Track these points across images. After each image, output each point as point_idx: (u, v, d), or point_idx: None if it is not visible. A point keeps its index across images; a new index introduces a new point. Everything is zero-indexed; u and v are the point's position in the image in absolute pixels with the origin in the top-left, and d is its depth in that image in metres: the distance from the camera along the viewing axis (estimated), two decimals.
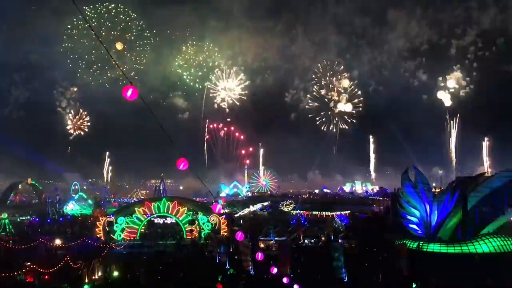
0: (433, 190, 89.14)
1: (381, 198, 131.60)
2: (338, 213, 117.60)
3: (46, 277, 61.77)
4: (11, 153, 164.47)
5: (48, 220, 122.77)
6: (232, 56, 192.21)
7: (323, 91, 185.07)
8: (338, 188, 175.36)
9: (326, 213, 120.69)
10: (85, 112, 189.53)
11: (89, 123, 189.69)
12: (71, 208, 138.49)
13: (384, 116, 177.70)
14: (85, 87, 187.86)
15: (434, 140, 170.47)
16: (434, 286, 60.73)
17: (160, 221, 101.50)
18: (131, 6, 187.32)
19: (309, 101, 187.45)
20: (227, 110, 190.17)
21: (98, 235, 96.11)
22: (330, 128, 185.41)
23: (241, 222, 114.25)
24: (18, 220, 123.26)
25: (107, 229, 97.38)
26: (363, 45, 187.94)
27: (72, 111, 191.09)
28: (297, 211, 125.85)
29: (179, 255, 78.62)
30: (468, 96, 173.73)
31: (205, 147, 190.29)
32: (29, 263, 63.72)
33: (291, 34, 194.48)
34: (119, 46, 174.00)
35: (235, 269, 67.32)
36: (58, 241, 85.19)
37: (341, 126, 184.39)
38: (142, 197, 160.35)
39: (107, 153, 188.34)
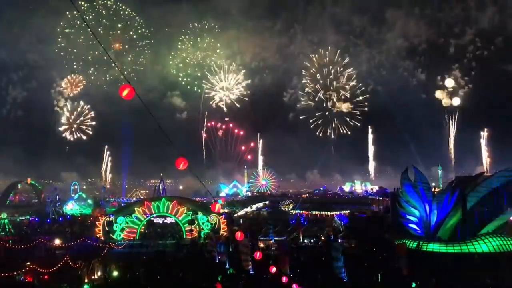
0: (433, 189, 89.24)
1: (381, 198, 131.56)
2: (338, 212, 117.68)
3: (45, 277, 61.65)
4: (9, 153, 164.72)
5: (48, 220, 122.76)
6: (230, 56, 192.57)
7: (321, 92, 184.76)
8: (338, 188, 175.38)
9: (326, 212, 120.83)
10: (91, 112, 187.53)
11: (93, 123, 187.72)
12: (71, 208, 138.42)
13: (383, 116, 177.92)
14: (84, 87, 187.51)
15: (434, 140, 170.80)
16: (433, 286, 60.70)
17: (160, 221, 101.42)
18: (129, 5, 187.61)
19: (301, 99, 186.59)
20: (225, 109, 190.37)
21: (98, 235, 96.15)
22: (328, 133, 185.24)
23: (241, 221, 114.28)
24: (18, 220, 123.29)
25: (107, 229, 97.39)
26: (361, 45, 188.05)
27: (67, 111, 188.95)
28: (296, 211, 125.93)
29: (178, 255, 78.66)
30: (467, 95, 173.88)
31: (203, 145, 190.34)
32: (28, 263, 63.57)
33: (289, 34, 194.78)
34: (117, 45, 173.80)
35: (234, 269, 67.29)
36: (57, 241, 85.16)
37: (341, 131, 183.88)
38: (142, 197, 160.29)
39: (107, 152, 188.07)
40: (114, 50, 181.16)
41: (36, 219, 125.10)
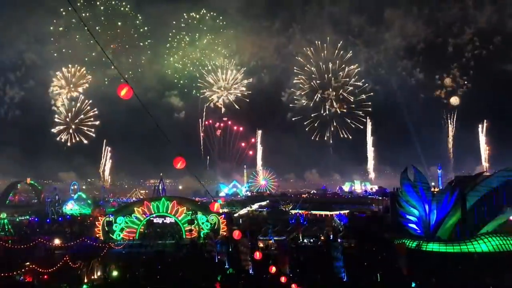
0: (432, 189, 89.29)
1: (380, 198, 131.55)
2: (337, 212, 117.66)
3: (45, 277, 61.64)
4: (7, 153, 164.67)
5: (47, 220, 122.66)
6: (228, 56, 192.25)
7: (319, 92, 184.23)
8: (337, 188, 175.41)
9: (325, 212, 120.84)
10: (93, 110, 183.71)
11: (97, 122, 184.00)
12: (70, 208, 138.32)
13: (382, 116, 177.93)
14: (83, 83, 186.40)
15: (433, 139, 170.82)
16: (433, 286, 60.69)
17: (159, 221, 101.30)
18: (127, 4, 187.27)
19: (295, 97, 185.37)
20: (223, 109, 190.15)
21: (97, 235, 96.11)
22: (326, 137, 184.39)
23: (240, 221, 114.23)
24: (17, 220, 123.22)
25: (106, 229, 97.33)
26: (359, 44, 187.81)
27: (64, 108, 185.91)
28: (296, 211, 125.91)
29: (178, 255, 78.65)
30: (465, 94, 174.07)
31: (201, 145, 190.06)
32: (28, 263, 63.56)
33: (287, 33, 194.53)
34: (114, 45, 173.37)
35: (234, 269, 67.27)
36: (57, 241, 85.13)
37: (341, 135, 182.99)
38: (141, 197, 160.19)
39: (106, 152, 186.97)
40: (113, 48, 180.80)
41: (36, 219, 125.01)
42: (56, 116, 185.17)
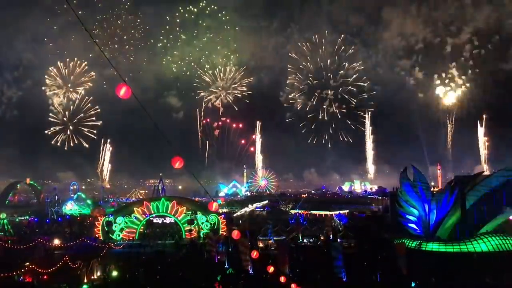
0: (432, 189, 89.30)
1: (380, 197, 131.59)
2: (337, 212, 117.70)
3: (44, 277, 61.66)
4: (4, 153, 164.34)
5: (47, 220, 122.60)
6: (226, 55, 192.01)
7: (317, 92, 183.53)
8: (337, 188, 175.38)
9: (325, 212, 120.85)
10: (95, 108, 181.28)
11: (99, 122, 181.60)
12: (70, 208, 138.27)
13: (381, 115, 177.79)
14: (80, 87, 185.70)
15: (432, 139, 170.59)
16: (433, 285, 60.75)
17: (159, 221, 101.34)
18: (125, 3, 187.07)
19: (290, 95, 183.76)
20: (222, 109, 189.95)
21: (97, 235, 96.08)
22: (324, 141, 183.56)
23: (240, 221, 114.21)
24: (17, 220, 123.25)
25: (106, 229, 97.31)
26: (357, 44, 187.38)
27: (62, 107, 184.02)
28: (296, 211, 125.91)
29: (178, 255, 78.60)
30: (464, 94, 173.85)
31: (199, 145, 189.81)
32: (27, 263, 63.60)
33: (286, 33, 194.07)
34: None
35: (234, 269, 67.25)
36: (56, 241, 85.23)
37: (340, 138, 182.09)
38: (141, 197, 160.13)
39: (105, 151, 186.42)
40: (110, 50, 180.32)
41: (35, 219, 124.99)
42: (51, 114, 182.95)
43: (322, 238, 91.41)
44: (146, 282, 61.38)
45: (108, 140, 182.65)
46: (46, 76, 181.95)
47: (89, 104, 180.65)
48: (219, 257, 73.66)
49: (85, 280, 63.16)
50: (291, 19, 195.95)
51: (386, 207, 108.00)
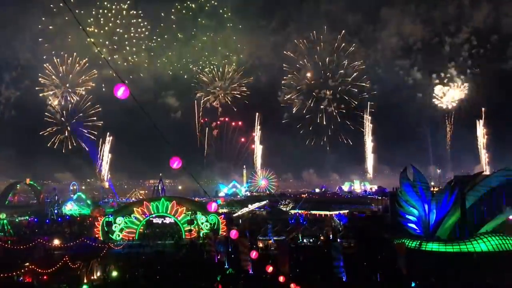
0: (432, 189, 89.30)
1: (380, 198, 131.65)
2: (337, 212, 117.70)
3: (44, 277, 61.65)
4: (4, 154, 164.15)
5: (47, 221, 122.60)
6: (224, 55, 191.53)
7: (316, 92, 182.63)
8: (337, 188, 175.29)
9: (325, 212, 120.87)
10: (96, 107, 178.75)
11: (100, 123, 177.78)
12: (70, 208, 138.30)
13: (380, 115, 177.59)
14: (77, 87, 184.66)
15: (432, 139, 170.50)
16: (433, 285, 60.73)
17: (159, 221, 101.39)
18: (123, 3, 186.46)
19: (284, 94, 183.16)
20: (220, 109, 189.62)
21: (97, 235, 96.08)
22: (322, 143, 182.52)
23: (240, 221, 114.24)
24: (17, 220, 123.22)
25: (106, 229, 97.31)
26: (356, 43, 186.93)
27: (59, 106, 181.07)
28: (296, 211, 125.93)
29: (178, 255, 78.63)
30: (463, 93, 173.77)
31: (198, 145, 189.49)
32: (27, 264, 63.58)
33: (284, 32, 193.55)
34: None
35: (234, 269, 67.25)
36: (56, 241, 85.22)
37: (339, 139, 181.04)
38: (141, 197, 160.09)
39: (104, 151, 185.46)
40: (108, 50, 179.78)
41: (35, 219, 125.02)
42: (47, 114, 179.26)
43: (322, 238, 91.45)
44: (146, 282, 61.38)
45: (108, 140, 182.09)
46: (40, 74, 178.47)
47: (89, 103, 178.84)
48: (219, 257, 73.66)
49: (85, 280, 63.08)
50: (290, 18, 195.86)
51: (386, 207, 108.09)
